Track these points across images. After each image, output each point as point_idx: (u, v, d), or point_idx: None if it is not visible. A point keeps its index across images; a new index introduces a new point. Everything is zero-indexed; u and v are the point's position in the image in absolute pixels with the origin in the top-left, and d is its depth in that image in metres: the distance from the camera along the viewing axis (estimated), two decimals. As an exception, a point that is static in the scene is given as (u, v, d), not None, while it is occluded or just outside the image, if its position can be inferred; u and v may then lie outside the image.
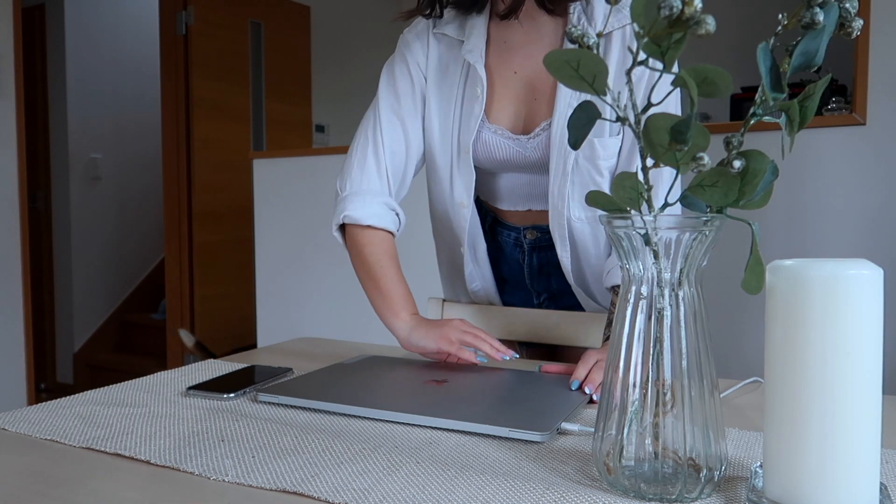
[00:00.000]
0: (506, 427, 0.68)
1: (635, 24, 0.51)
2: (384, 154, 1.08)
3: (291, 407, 0.79)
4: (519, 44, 1.05)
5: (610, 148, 1.00)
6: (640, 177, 0.55)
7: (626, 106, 0.54)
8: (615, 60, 0.99)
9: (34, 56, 4.06)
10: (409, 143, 1.09)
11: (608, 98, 0.54)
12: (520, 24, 1.04)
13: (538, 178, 1.08)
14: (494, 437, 0.68)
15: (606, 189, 1.00)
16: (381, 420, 0.74)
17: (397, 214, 1.09)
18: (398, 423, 0.73)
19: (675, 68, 0.51)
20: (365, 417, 0.74)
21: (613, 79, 0.99)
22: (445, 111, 1.08)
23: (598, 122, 0.99)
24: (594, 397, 0.81)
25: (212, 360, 1.04)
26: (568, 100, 0.99)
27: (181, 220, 3.54)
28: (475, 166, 1.07)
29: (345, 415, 0.75)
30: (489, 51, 1.06)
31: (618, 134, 1.00)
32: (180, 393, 0.86)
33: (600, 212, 0.95)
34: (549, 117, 1.02)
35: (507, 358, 0.92)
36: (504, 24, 1.05)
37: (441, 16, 1.07)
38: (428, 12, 1.07)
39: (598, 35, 0.53)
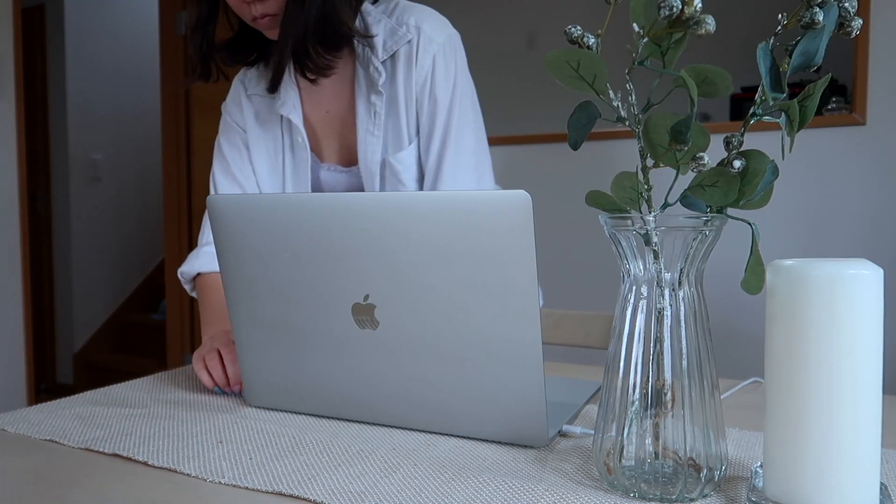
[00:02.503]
0: (505, 438, 0.67)
1: (635, 24, 0.51)
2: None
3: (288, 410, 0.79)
4: (325, 84, 1.09)
5: (406, 161, 1.06)
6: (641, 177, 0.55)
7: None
8: (402, 77, 1.04)
9: (34, 56, 4.06)
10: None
11: (602, 97, 0.54)
12: None
13: None
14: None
15: None
16: (376, 423, 0.74)
17: None
18: (393, 426, 0.73)
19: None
20: (359, 421, 0.74)
21: (404, 93, 1.04)
22: (273, 165, 1.14)
23: (394, 140, 1.06)
24: None
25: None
26: (365, 125, 1.05)
27: (181, 220, 3.54)
28: None
29: (339, 418, 0.75)
30: (303, 97, 1.11)
31: (410, 143, 1.05)
32: (179, 393, 0.85)
33: None
34: None
35: (228, 392, 0.86)
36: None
37: (218, 79, 1.10)
38: (207, 77, 1.10)
39: (598, 35, 0.53)
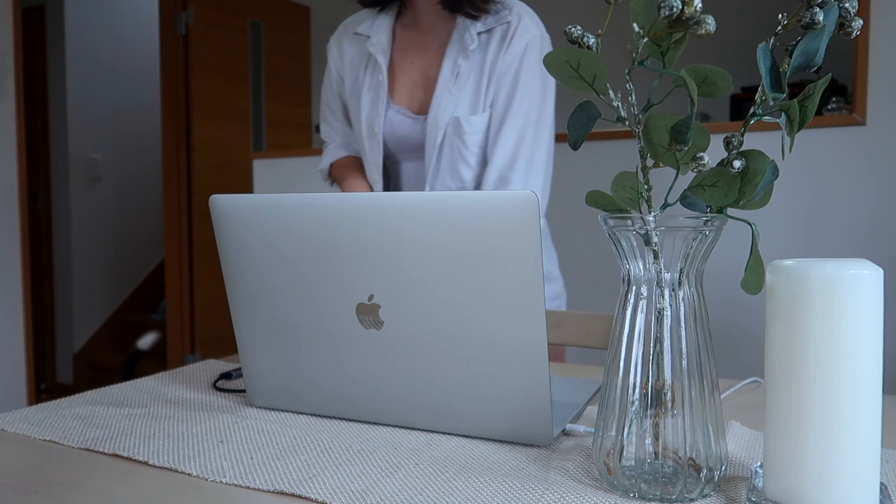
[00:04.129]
0: (510, 437, 0.67)
1: (635, 24, 0.51)
2: (335, 125, 1.41)
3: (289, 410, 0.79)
4: (415, 41, 1.27)
5: (477, 125, 1.18)
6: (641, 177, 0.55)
7: (625, 106, 0.54)
8: (492, 51, 1.18)
9: (34, 56, 4.06)
10: (343, 122, 1.40)
11: (604, 97, 0.54)
12: (418, 29, 1.27)
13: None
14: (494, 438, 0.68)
15: (472, 161, 1.21)
16: (379, 422, 0.74)
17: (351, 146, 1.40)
18: (396, 426, 0.73)
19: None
20: (362, 421, 0.74)
21: (490, 67, 1.18)
22: (356, 99, 1.30)
23: (470, 104, 1.19)
24: None
25: (212, 360, 1.04)
26: (445, 83, 1.19)
27: (181, 221, 3.54)
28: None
29: (342, 418, 0.75)
30: (393, 47, 1.28)
31: (483, 111, 1.19)
32: (179, 393, 0.86)
33: (468, 183, 1.21)
34: None
35: None
36: (406, 27, 1.28)
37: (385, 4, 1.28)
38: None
39: (598, 35, 0.53)
